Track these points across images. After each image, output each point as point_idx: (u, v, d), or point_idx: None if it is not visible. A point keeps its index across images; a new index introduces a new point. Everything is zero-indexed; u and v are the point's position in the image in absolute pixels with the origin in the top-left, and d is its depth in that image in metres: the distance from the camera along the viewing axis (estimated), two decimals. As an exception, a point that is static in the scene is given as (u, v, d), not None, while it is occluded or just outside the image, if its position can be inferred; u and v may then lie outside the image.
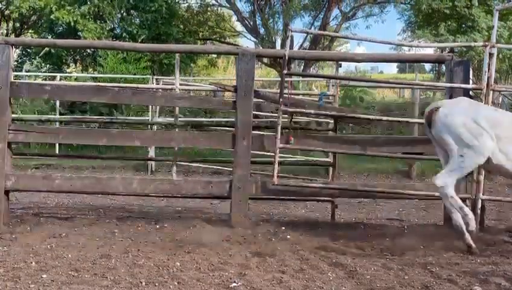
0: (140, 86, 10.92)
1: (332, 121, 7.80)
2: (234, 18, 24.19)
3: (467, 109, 5.10)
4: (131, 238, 5.23)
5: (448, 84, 6.10)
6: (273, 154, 5.91)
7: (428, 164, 11.00)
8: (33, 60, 18.71)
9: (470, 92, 6.06)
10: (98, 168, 11.74)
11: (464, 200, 6.01)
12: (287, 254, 4.82)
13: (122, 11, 18.28)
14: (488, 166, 5.21)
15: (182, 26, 20.40)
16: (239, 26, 24.43)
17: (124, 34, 17.97)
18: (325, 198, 6.55)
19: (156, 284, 3.90)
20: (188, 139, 6.50)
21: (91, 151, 12.32)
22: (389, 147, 6.28)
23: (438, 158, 5.45)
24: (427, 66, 29.42)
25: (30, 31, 21.69)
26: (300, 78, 16.24)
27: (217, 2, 22.88)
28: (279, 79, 6.32)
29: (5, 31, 21.29)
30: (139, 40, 16.73)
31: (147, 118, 12.45)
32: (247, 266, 4.41)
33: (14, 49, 6.14)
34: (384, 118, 7.07)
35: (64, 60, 19.28)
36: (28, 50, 19.20)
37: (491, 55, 5.84)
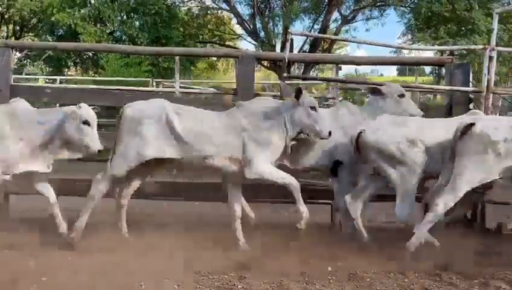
0: (140, 88, 10.91)
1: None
2: (234, 21, 24.25)
3: None
4: (131, 240, 5.22)
5: (448, 87, 6.10)
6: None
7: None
8: (33, 63, 18.74)
9: (470, 95, 6.07)
10: (98, 171, 11.69)
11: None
12: (287, 257, 4.81)
13: (122, 14, 18.30)
14: None
15: (182, 29, 20.42)
16: (239, 29, 24.48)
17: (124, 37, 18.01)
18: (325, 200, 6.54)
19: (156, 286, 3.89)
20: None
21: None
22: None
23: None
24: (427, 69, 29.50)
25: (30, 34, 21.72)
26: (300, 81, 16.25)
27: (217, 5, 22.93)
28: (279, 82, 6.31)
29: (5, 34, 21.30)
30: (140, 44, 16.76)
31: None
32: (247, 268, 4.41)
33: (14, 52, 6.15)
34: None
35: (64, 63, 19.31)
36: (28, 53, 19.22)
37: (491, 58, 5.85)
